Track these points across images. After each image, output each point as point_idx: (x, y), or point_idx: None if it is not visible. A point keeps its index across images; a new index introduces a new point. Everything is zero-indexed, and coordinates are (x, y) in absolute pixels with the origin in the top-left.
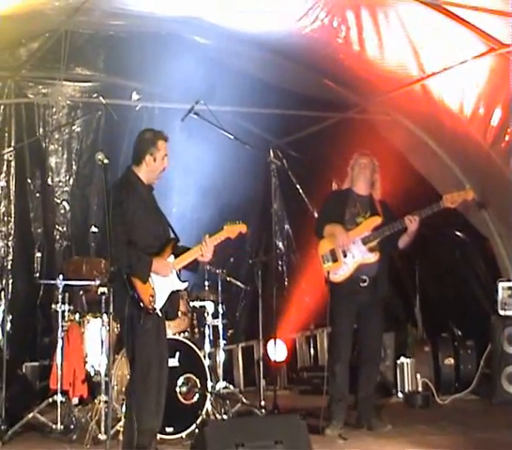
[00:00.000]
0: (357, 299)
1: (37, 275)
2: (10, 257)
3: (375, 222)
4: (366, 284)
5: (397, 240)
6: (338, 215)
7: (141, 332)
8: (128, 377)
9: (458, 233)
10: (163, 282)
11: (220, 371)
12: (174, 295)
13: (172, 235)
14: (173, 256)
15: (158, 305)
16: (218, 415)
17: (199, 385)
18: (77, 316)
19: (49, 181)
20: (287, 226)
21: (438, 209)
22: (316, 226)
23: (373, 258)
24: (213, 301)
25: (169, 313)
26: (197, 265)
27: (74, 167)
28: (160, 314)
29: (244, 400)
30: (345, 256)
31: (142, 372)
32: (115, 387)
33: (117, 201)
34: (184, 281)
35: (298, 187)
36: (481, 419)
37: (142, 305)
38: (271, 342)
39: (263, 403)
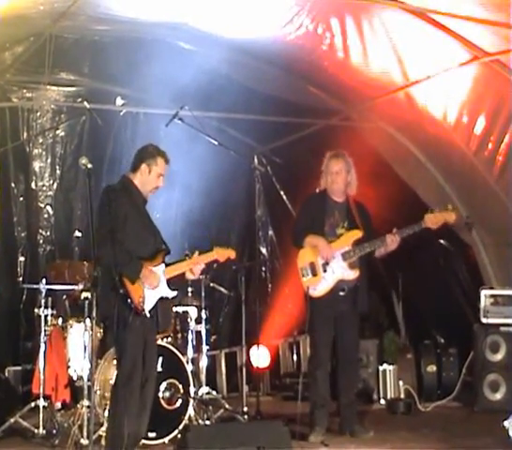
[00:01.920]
0: (336, 307)
1: (21, 279)
2: None
3: (356, 236)
4: (344, 293)
5: (374, 252)
6: (317, 225)
7: (128, 331)
8: (111, 381)
9: (441, 241)
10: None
11: (203, 377)
12: (166, 305)
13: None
14: (163, 265)
15: (148, 306)
16: (200, 421)
17: (182, 391)
18: (60, 320)
19: (32, 185)
20: (271, 232)
21: (419, 229)
22: (294, 235)
23: (353, 275)
24: (196, 306)
25: (161, 323)
26: (183, 281)
27: (58, 171)
28: (148, 315)
29: (226, 406)
30: (325, 271)
31: (126, 372)
32: (98, 392)
33: (106, 201)
34: (173, 290)
35: (282, 193)
36: (463, 426)
37: (131, 304)
38: (254, 348)
39: (245, 409)
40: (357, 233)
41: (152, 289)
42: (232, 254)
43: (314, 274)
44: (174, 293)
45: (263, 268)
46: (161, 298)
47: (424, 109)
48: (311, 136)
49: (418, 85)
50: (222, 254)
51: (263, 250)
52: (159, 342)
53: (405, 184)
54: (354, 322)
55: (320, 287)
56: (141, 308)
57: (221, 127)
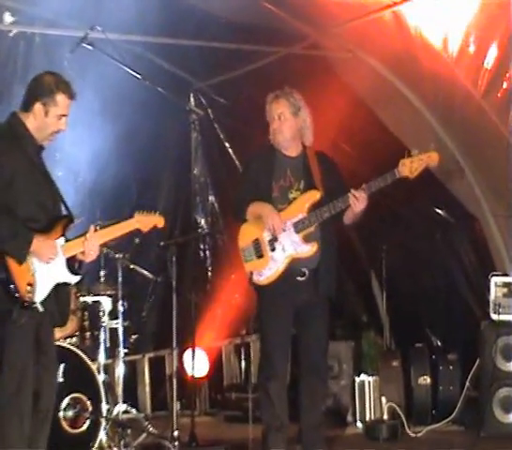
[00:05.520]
0: (294, 297)
1: None
2: None
3: (312, 199)
4: (304, 278)
5: (340, 216)
6: (263, 190)
7: (12, 331)
8: None
9: (438, 211)
10: (47, 269)
11: (120, 390)
12: (63, 293)
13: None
14: (63, 238)
15: (39, 297)
16: (115, 449)
17: (90, 409)
18: None
19: None
20: (212, 197)
21: (393, 179)
22: (234, 205)
23: (310, 251)
24: (110, 296)
25: (56, 318)
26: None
27: None
28: (41, 309)
29: (151, 429)
30: (273, 249)
31: (13, 386)
32: None
33: None
34: (75, 274)
35: (227, 145)
36: None
37: (16, 294)
38: (188, 352)
39: (176, 433)
40: (314, 195)
41: (46, 263)
42: (159, 222)
43: (259, 255)
44: (77, 278)
45: (202, 245)
46: (59, 285)
47: (418, 35)
48: (267, 68)
49: (410, 3)
50: (145, 222)
51: (202, 221)
52: (60, 343)
53: (390, 132)
54: (322, 316)
55: (267, 271)
56: (29, 300)
57: (147, 55)
